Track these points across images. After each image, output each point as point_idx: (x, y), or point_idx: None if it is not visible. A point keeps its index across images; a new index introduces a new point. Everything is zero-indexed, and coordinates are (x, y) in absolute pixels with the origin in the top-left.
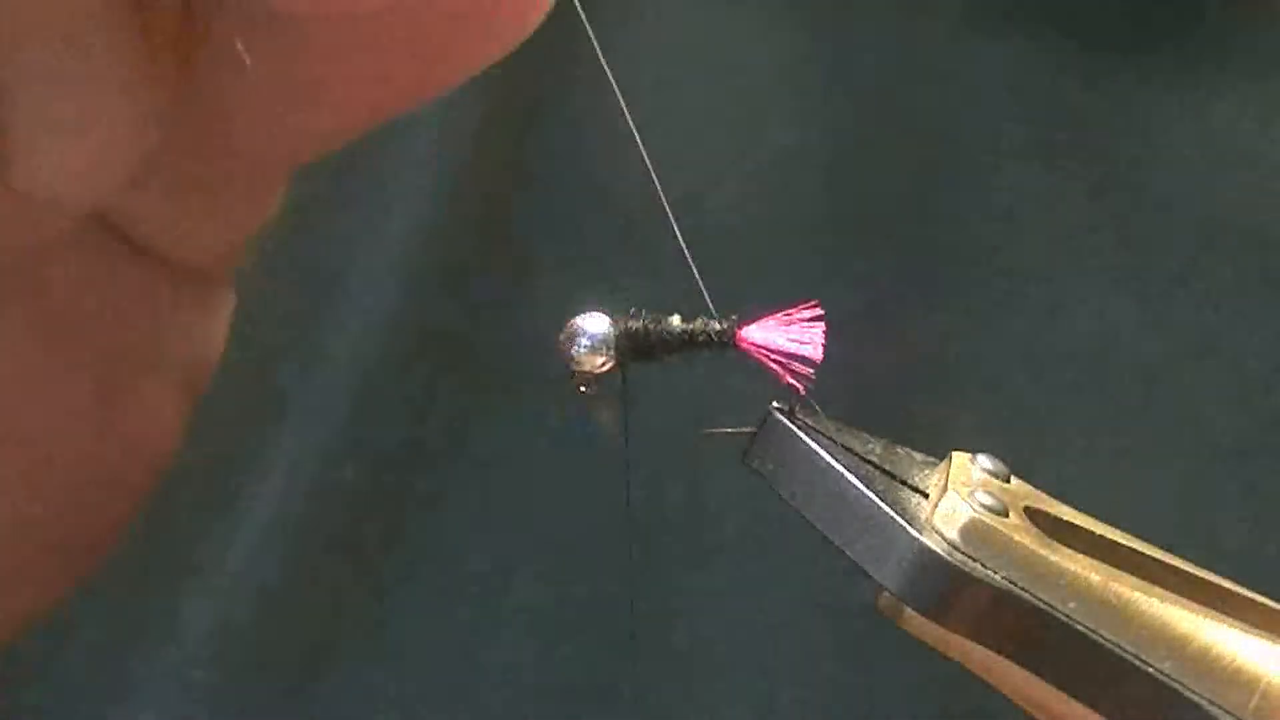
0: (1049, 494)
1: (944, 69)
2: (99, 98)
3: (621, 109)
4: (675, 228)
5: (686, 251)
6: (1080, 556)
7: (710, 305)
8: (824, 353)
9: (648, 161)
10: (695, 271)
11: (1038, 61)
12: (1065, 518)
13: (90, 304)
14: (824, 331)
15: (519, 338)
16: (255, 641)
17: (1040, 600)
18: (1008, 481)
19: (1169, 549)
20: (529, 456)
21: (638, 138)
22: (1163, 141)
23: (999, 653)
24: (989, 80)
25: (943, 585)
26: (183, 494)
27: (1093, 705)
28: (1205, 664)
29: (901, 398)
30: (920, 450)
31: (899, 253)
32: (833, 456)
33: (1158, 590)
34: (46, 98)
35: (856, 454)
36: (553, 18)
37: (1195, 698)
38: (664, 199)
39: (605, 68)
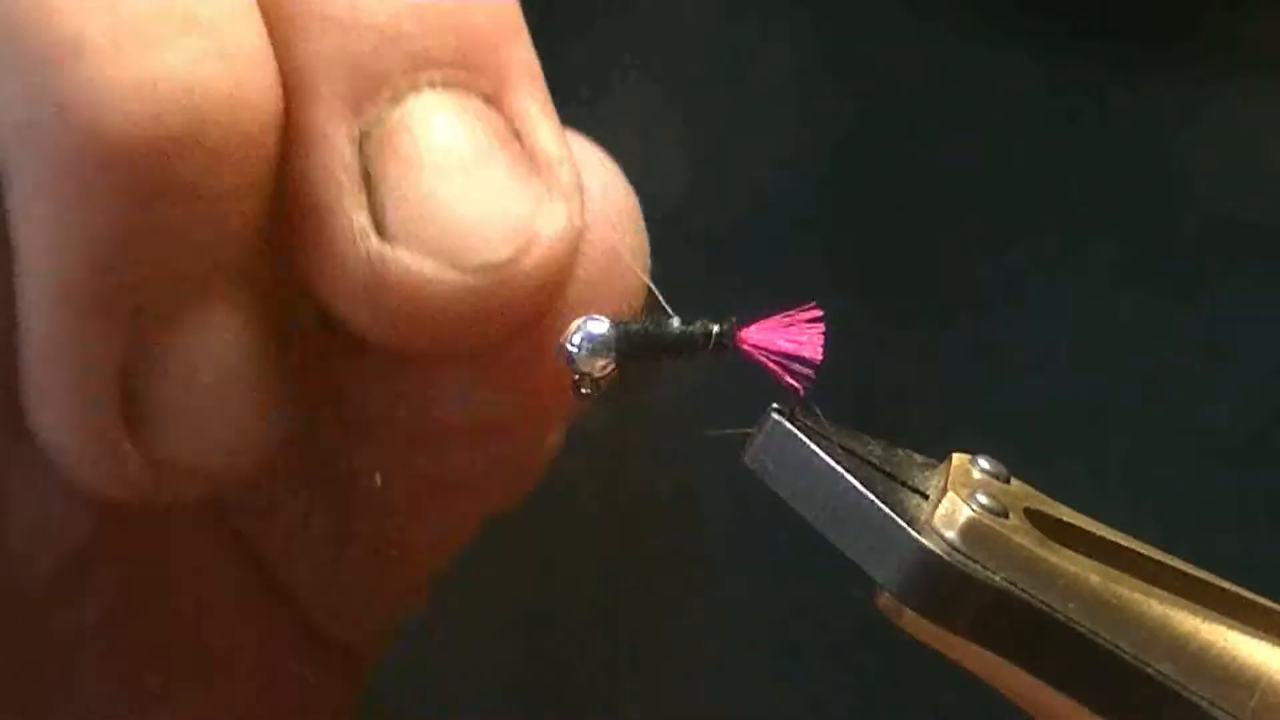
0: (1049, 496)
1: (945, 70)
2: (237, 381)
3: None
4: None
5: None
6: (1080, 558)
7: (664, 303)
8: (824, 355)
9: None
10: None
11: (1041, 61)
12: (1065, 519)
13: (249, 663)
14: (823, 333)
15: None
16: None
17: (1040, 601)
18: (1008, 483)
19: (1168, 552)
20: None
21: None
22: (1169, 141)
23: (998, 653)
24: (992, 81)
25: (942, 586)
26: None
27: (1092, 706)
28: (1205, 664)
29: (902, 399)
30: (920, 452)
31: (900, 254)
32: (832, 458)
33: (1157, 591)
34: (193, 372)
35: (856, 455)
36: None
37: (1195, 698)
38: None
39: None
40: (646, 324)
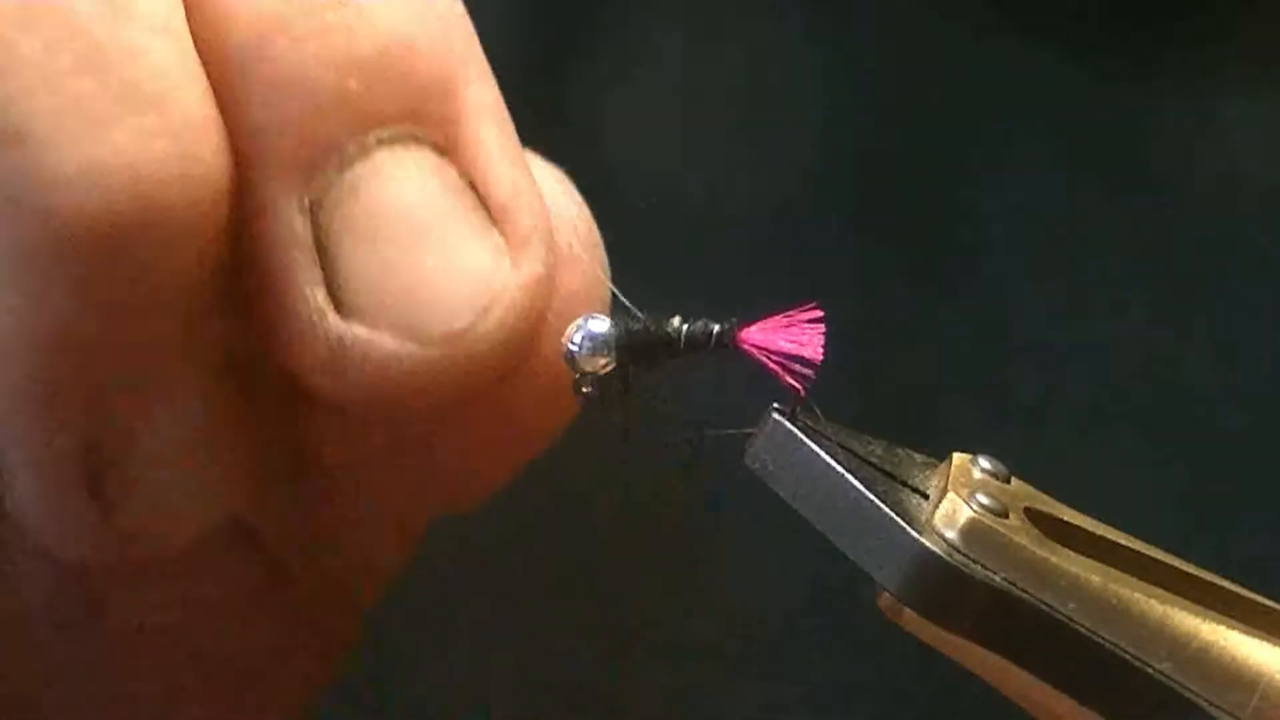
0: (1054, 496)
1: (955, 68)
2: (203, 448)
3: None
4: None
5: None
6: (1080, 557)
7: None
8: (829, 353)
9: None
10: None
11: (1051, 61)
12: (1065, 519)
13: (221, 617)
14: (826, 332)
15: None
16: None
17: (1040, 601)
18: (1008, 482)
19: (1175, 554)
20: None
21: None
22: (1176, 140)
23: (999, 653)
24: (1000, 79)
25: (942, 586)
26: None
27: (1092, 706)
28: (1205, 664)
29: (907, 398)
30: (924, 450)
31: (907, 250)
32: (833, 458)
33: (1158, 591)
34: (163, 444)
35: (857, 455)
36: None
37: (1195, 698)
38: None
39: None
40: (647, 323)
